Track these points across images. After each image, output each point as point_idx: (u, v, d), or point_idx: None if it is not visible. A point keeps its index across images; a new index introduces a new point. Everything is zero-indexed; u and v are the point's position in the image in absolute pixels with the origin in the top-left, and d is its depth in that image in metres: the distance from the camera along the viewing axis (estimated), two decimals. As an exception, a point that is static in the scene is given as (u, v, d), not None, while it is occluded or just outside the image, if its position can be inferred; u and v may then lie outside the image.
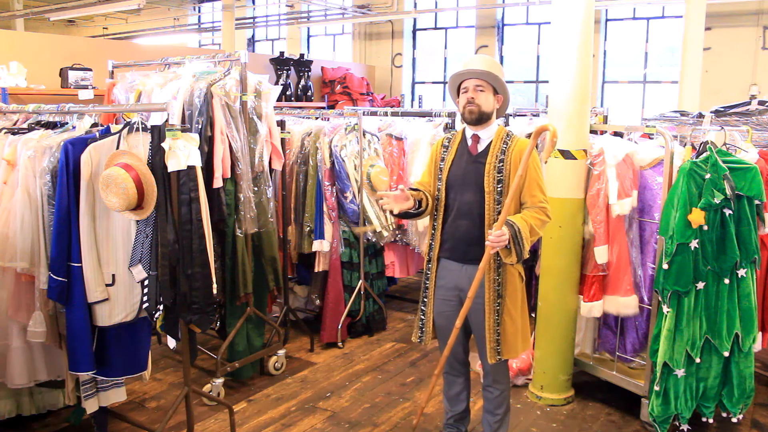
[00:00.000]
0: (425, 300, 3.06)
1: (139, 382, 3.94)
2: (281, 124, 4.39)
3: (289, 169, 4.72)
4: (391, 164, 5.10)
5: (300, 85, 9.46)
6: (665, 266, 3.24)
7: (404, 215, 2.95)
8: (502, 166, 2.85)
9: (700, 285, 3.25)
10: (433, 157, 3.05)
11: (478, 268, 2.78)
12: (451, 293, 2.98)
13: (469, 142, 2.95)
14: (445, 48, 11.34)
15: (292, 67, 9.35)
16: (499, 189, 2.85)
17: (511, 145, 2.88)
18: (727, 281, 3.25)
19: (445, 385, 3.23)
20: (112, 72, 4.79)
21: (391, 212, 2.87)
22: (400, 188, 2.85)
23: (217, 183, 3.58)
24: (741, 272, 3.26)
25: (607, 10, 9.50)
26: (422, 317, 3.07)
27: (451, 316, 2.96)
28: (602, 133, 4.06)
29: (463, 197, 2.90)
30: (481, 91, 2.87)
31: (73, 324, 2.93)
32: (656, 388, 3.35)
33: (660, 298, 3.32)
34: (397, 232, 5.15)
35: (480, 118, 2.88)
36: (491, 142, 2.91)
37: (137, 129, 2.92)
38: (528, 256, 2.87)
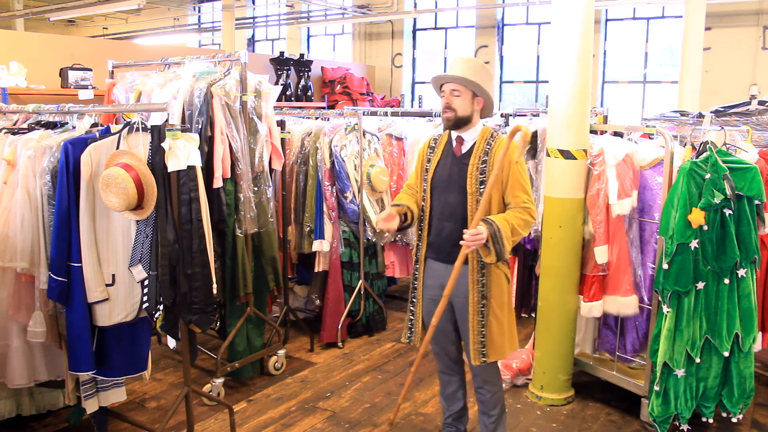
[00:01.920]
0: (414, 300, 3.09)
1: (139, 382, 3.94)
2: (281, 124, 4.39)
3: (289, 169, 4.72)
4: (391, 164, 5.11)
5: (300, 85, 9.46)
6: (665, 266, 3.24)
7: (400, 229, 3.02)
8: (485, 167, 2.85)
9: (700, 285, 3.25)
10: (420, 158, 3.08)
11: (454, 267, 2.80)
12: (437, 293, 2.97)
13: (454, 143, 2.97)
14: (445, 48, 11.34)
15: (292, 67, 9.35)
16: (481, 190, 2.84)
17: (494, 146, 2.88)
18: (727, 281, 3.25)
19: (441, 384, 3.24)
20: (112, 72, 4.79)
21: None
22: (385, 212, 2.92)
23: (217, 183, 3.58)
24: (741, 272, 3.26)
25: (607, 10, 9.50)
26: (411, 318, 3.09)
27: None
28: (602, 133, 4.06)
29: (447, 198, 2.92)
30: (457, 95, 2.87)
31: (73, 324, 2.93)
32: (656, 388, 3.35)
33: (660, 298, 3.32)
34: (397, 232, 5.15)
35: (457, 124, 2.90)
36: (475, 143, 2.91)
37: (137, 129, 2.92)
38: (509, 257, 2.87)
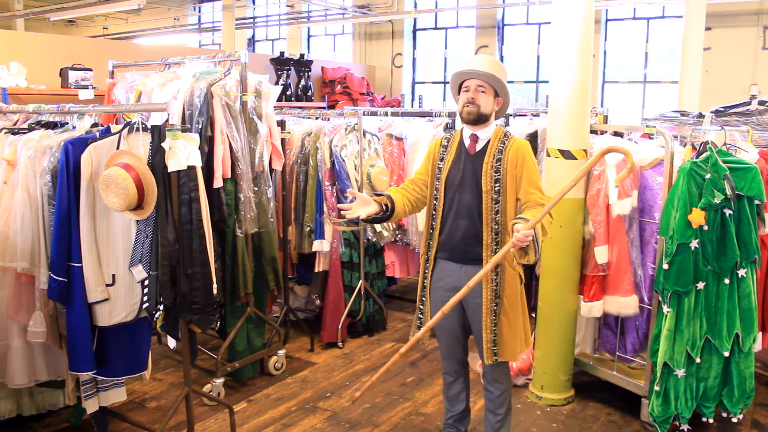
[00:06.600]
0: (423, 298, 3.06)
1: (139, 382, 3.94)
2: (281, 124, 4.39)
3: (290, 169, 4.72)
4: (391, 164, 5.11)
5: (300, 85, 9.46)
6: (665, 266, 3.24)
7: (372, 220, 2.94)
8: (500, 165, 2.85)
9: (701, 285, 3.25)
10: (431, 156, 3.05)
11: (491, 261, 2.70)
12: (450, 294, 2.92)
13: (467, 142, 2.95)
14: (445, 48, 11.34)
15: (292, 67, 9.35)
16: (496, 188, 2.84)
17: (509, 145, 2.88)
18: (727, 281, 3.25)
19: (444, 385, 3.23)
20: (113, 72, 4.79)
21: (360, 219, 2.88)
22: (357, 195, 2.87)
23: (218, 183, 3.58)
24: (741, 272, 3.26)
25: (607, 10, 9.50)
26: (420, 315, 3.07)
27: (449, 316, 2.94)
28: (602, 133, 4.06)
29: (462, 197, 2.90)
30: (482, 92, 2.87)
31: (73, 324, 2.93)
32: (656, 388, 3.35)
33: (660, 298, 3.32)
34: (397, 232, 5.15)
35: (478, 119, 2.88)
36: (489, 141, 2.91)
37: (137, 129, 2.92)
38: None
